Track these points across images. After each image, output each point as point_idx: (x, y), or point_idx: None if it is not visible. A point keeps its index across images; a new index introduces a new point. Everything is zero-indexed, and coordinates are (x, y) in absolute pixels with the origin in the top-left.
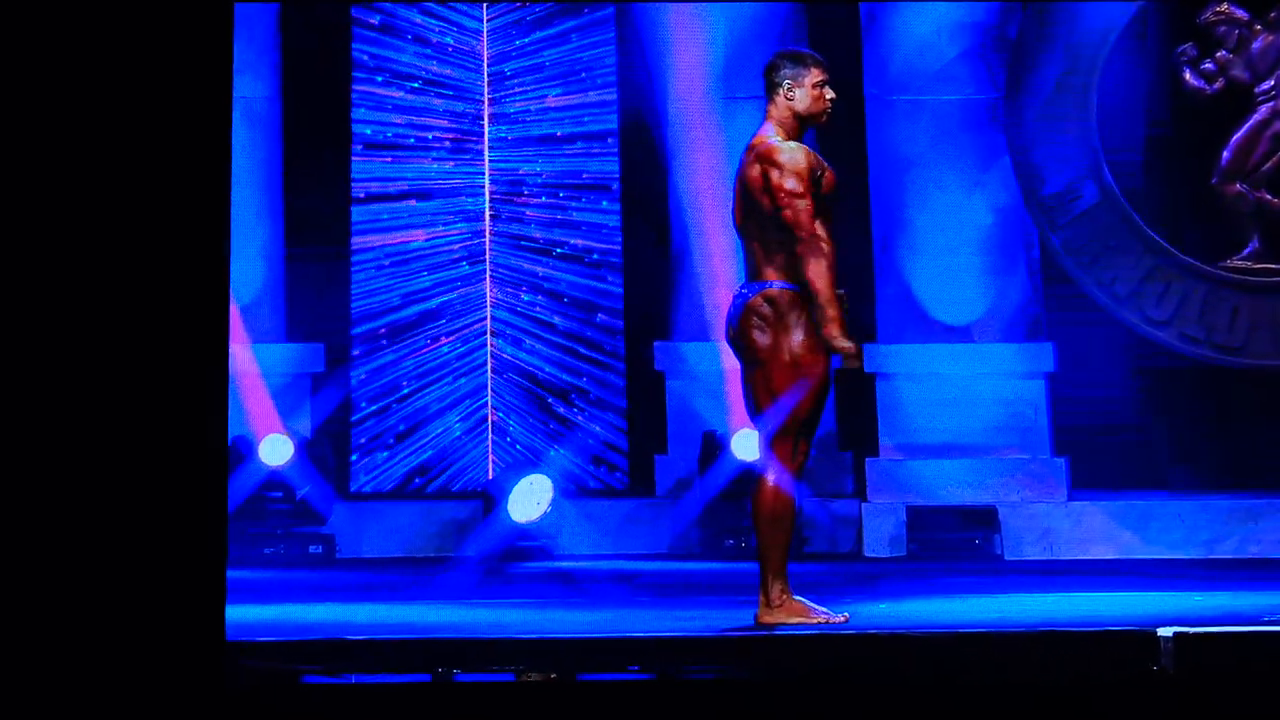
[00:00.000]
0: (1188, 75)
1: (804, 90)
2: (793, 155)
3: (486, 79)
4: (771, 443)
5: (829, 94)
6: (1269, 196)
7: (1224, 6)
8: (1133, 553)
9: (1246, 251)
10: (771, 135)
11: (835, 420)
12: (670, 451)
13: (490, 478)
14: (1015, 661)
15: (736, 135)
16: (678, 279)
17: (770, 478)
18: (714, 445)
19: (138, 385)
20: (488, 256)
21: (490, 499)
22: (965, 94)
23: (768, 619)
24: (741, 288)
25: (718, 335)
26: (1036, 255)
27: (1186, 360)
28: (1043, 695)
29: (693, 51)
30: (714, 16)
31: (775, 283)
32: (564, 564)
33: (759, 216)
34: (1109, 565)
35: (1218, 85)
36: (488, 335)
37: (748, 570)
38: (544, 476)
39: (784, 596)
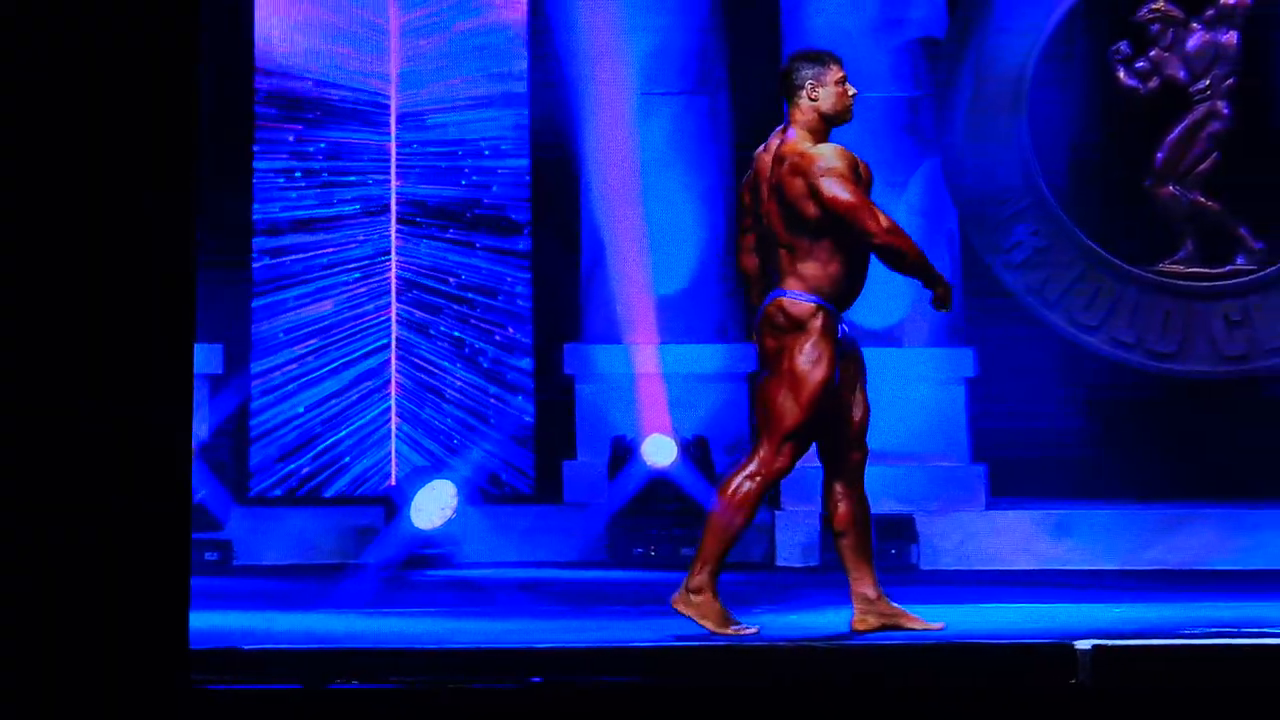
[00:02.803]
0: (1121, 74)
1: (827, 89)
2: (832, 161)
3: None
4: (758, 444)
5: (852, 90)
6: (1203, 199)
7: (1159, 4)
8: (1052, 563)
9: (1180, 255)
10: (803, 143)
11: (748, 425)
12: (579, 457)
13: (393, 483)
14: (930, 673)
15: (653, 132)
16: (589, 280)
17: (740, 476)
18: (623, 451)
19: (100, 384)
20: (393, 255)
21: (393, 505)
22: (889, 91)
23: (679, 607)
24: (769, 296)
25: (630, 337)
26: (960, 257)
27: (1116, 366)
28: (958, 708)
29: (610, 46)
30: (631, 10)
31: (793, 292)
32: (467, 572)
33: (800, 224)
34: (1027, 576)
35: (1152, 84)
36: (392, 337)
37: (657, 579)
38: (448, 482)
39: (706, 594)
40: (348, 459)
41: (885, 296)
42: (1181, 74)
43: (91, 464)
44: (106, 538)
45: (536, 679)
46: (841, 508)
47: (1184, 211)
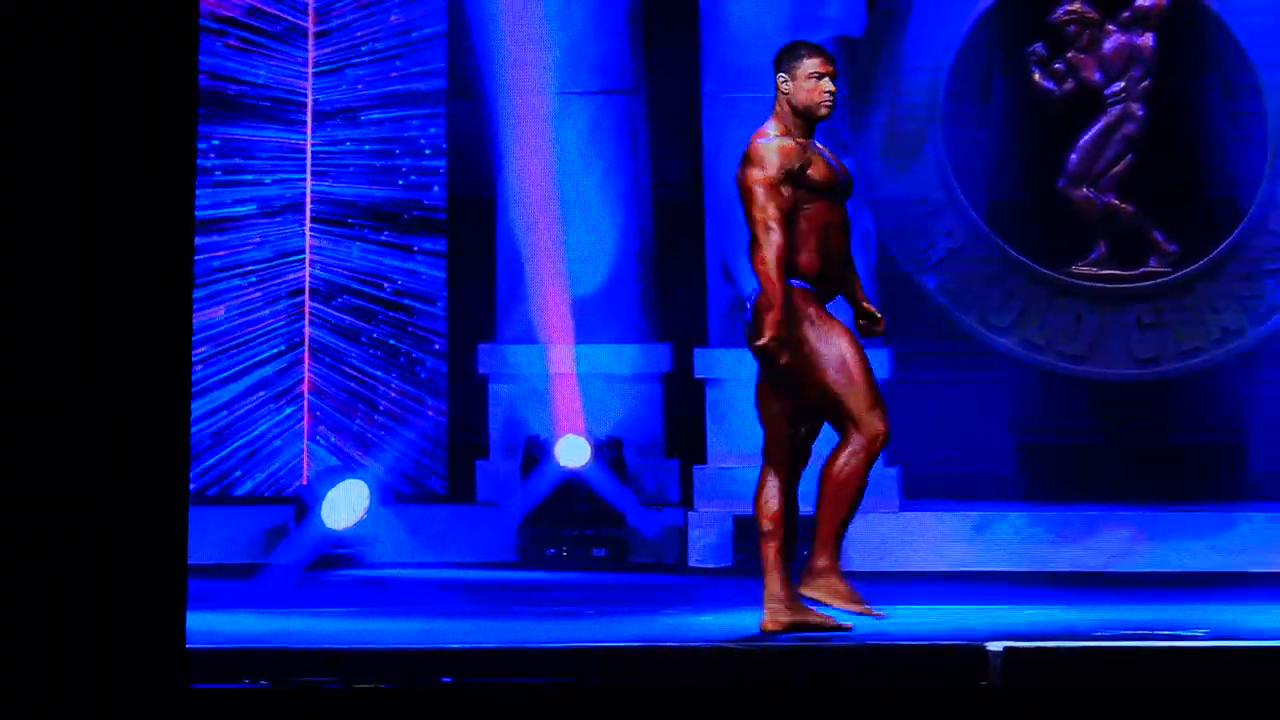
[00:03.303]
0: (1037, 76)
1: (798, 83)
2: (763, 152)
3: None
4: (849, 422)
5: (826, 86)
6: (1117, 201)
7: (1076, 5)
8: (965, 565)
9: (1092, 257)
10: (764, 133)
11: (663, 426)
12: (492, 457)
13: (304, 483)
14: (842, 675)
15: (570, 131)
16: (504, 279)
17: (843, 454)
18: (537, 451)
19: (99, 383)
20: (307, 255)
21: (304, 505)
22: None
23: (807, 591)
24: (753, 290)
25: (545, 337)
26: (875, 259)
27: (1029, 368)
28: (870, 709)
29: (527, 45)
30: (549, 9)
31: None
32: (380, 572)
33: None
34: (940, 578)
35: (1068, 86)
36: (305, 336)
37: (570, 579)
38: (360, 482)
39: (829, 574)
40: (259, 459)
41: None
42: (1097, 76)
43: (89, 463)
44: (104, 537)
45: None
46: (773, 506)
47: (1098, 213)
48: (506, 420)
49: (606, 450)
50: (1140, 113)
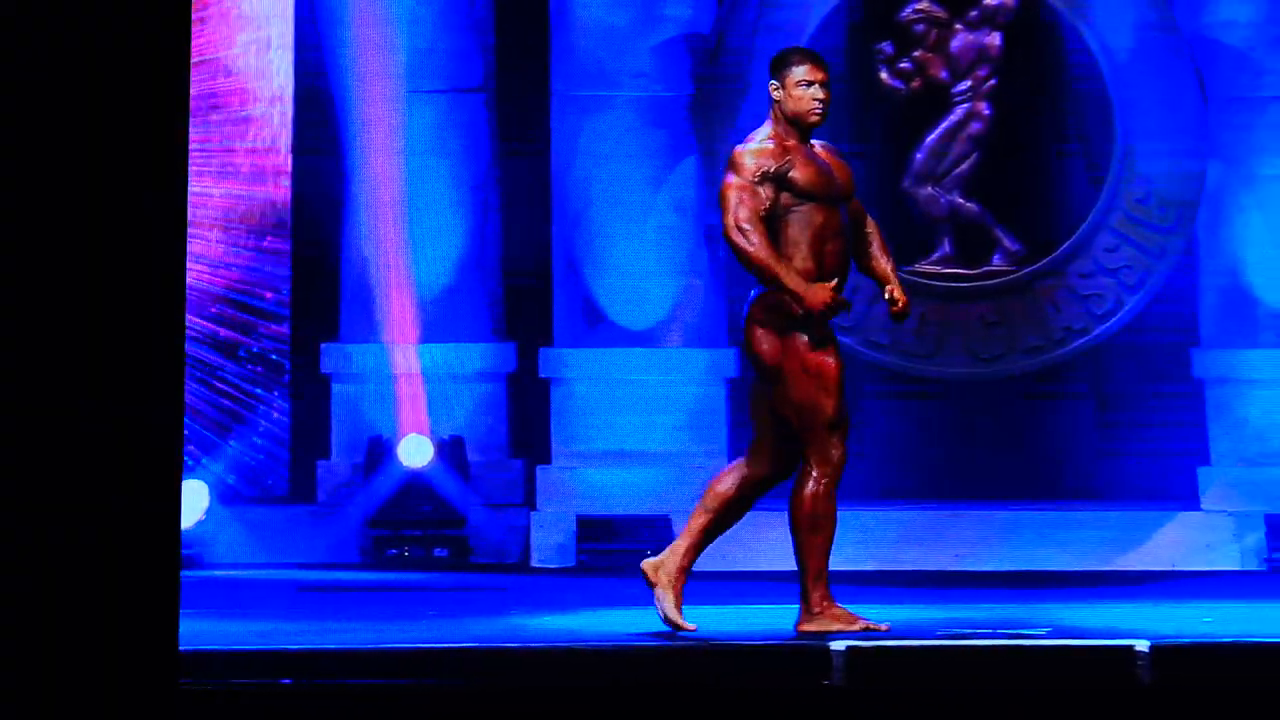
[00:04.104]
0: (884, 74)
1: (786, 91)
2: (738, 158)
3: None
4: (807, 449)
5: (816, 93)
6: (961, 200)
7: (923, 4)
8: None
9: (935, 256)
10: (750, 138)
11: (507, 426)
12: (333, 457)
13: None
14: (685, 674)
15: (418, 130)
16: (349, 278)
17: (808, 484)
18: (379, 451)
19: (92, 384)
20: None
21: None
22: (654, 90)
23: (809, 627)
24: (748, 298)
25: (389, 337)
26: (723, 257)
27: (874, 367)
28: (712, 708)
29: (376, 42)
30: (398, 7)
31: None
32: (219, 573)
33: None
34: (786, 577)
35: (914, 85)
36: None
37: (412, 580)
38: (200, 482)
39: (824, 603)
40: None
41: (646, 297)
42: (944, 75)
43: (83, 463)
44: (97, 537)
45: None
46: (728, 490)
47: (942, 212)
48: (349, 420)
49: (449, 450)
50: (986, 112)
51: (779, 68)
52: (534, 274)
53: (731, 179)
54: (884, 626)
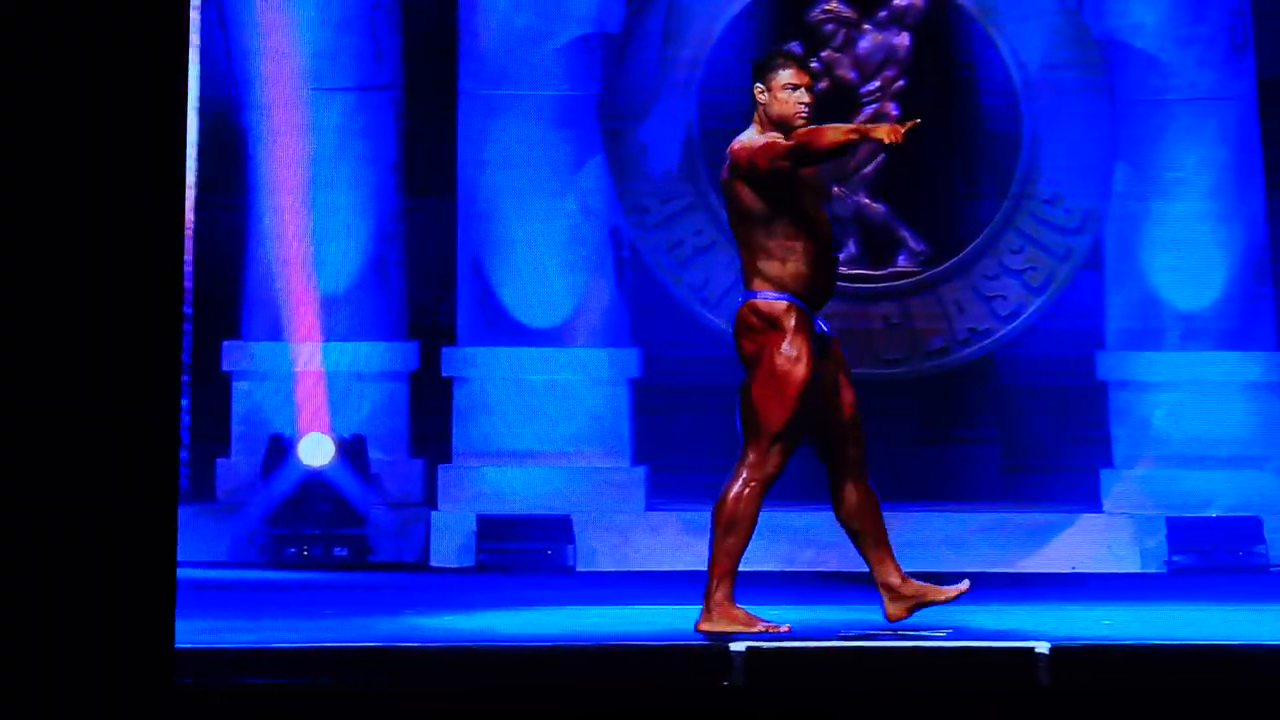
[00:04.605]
0: None
1: (772, 93)
2: (748, 141)
3: None
4: (744, 450)
5: (803, 97)
6: (867, 200)
7: (832, 4)
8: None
9: (841, 256)
10: (742, 138)
11: (409, 425)
12: (233, 455)
13: None
14: (585, 674)
15: (323, 128)
16: (251, 275)
17: (735, 484)
18: (279, 449)
19: (88, 384)
20: None
21: None
22: (563, 90)
23: (708, 626)
24: (741, 298)
25: (291, 335)
26: (628, 256)
27: None
28: (612, 708)
29: (282, 39)
30: (304, 4)
31: (762, 293)
32: None
33: (744, 221)
34: (686, 578)
35: (822, 85)
36: None
37: (311, 579)
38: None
39: (725, 605)
40: None
41: (550, 297)
42: (852, 75)
43: (79, 463)
44: (94, 536)
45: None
46: (850, 501)
47: (848, 212)
48: (249, 418)
49: (350, 449)
50: (894, 112)
51: (764, 71)
52: (438, 273)
53: (753, 141)
54: (785, 628)
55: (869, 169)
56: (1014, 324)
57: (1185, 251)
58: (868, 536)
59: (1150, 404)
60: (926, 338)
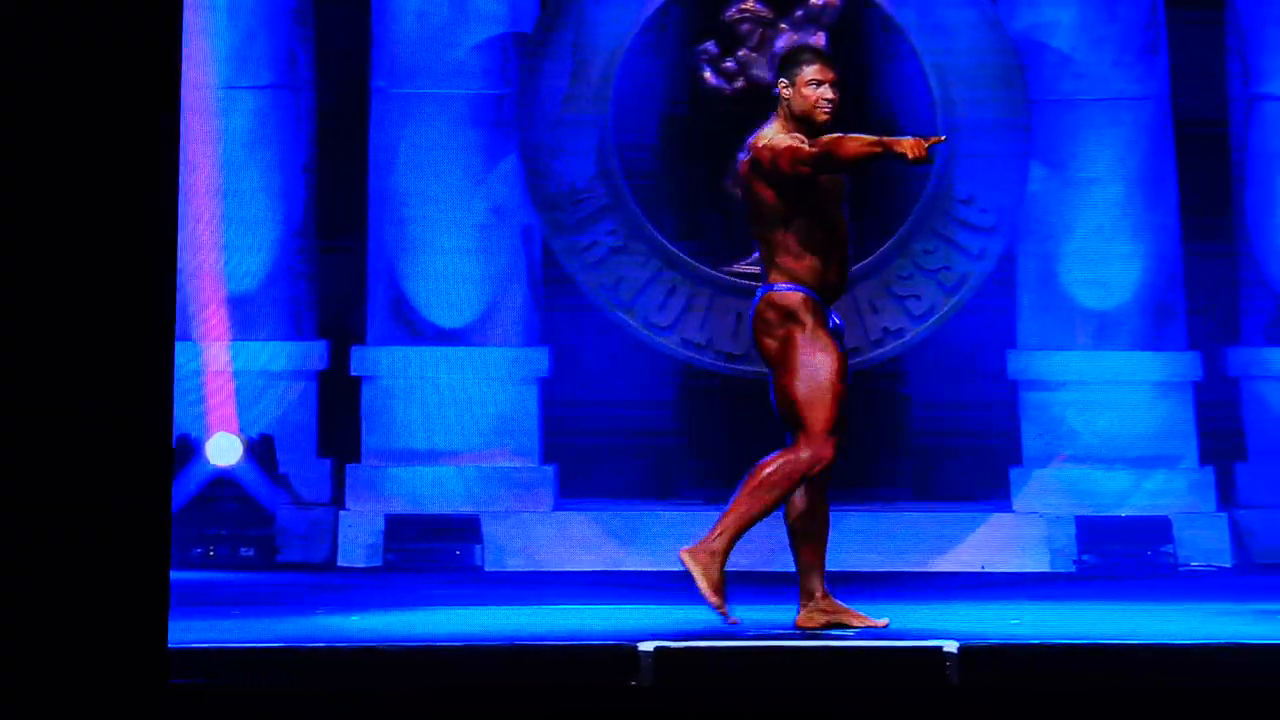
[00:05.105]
0: (708, 74)
1: (795, 89)
2: (769, 140)
3: None
4: (802, 442)
5: (826, 93)
6: None
7: (748, 4)
8: (620, 565)
9: (754, 255)
10: (763, 134)
11: (317, 424)
12: None
13: None
14: (492, 673)
15: (235, 126)
16: None
17: (790, 456)
18: (186, 449)
19: (82, 383)
20: None
21: None
22: (475, 89)
23: (686, 557)
24: (758, 290)
25: (199, 334)
26: (539, 257)
27: (689, 368)
28: (518, 708)
29: (192, 34)
30: (217, 1)
31: (780, 285)
32: None
33: (762, 216)
34: (594, 577)
35: (738, 84)
36: None
37: (217, 579)
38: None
39: (717, 557)
40: None
41: (460, 296)
42: (768, 74)
43: (73, 463)
44: (88, 536)
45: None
46: (807, 502)
47: None
48: None
49: (258, 449)
50: None
51: (789, 66)
52: (348, 272)
53: (779, 148)
54: (735, 620)
55: None
56: (927, 323)
57: (1098, 251)
58: (809, 542)
59: (1061, 403)
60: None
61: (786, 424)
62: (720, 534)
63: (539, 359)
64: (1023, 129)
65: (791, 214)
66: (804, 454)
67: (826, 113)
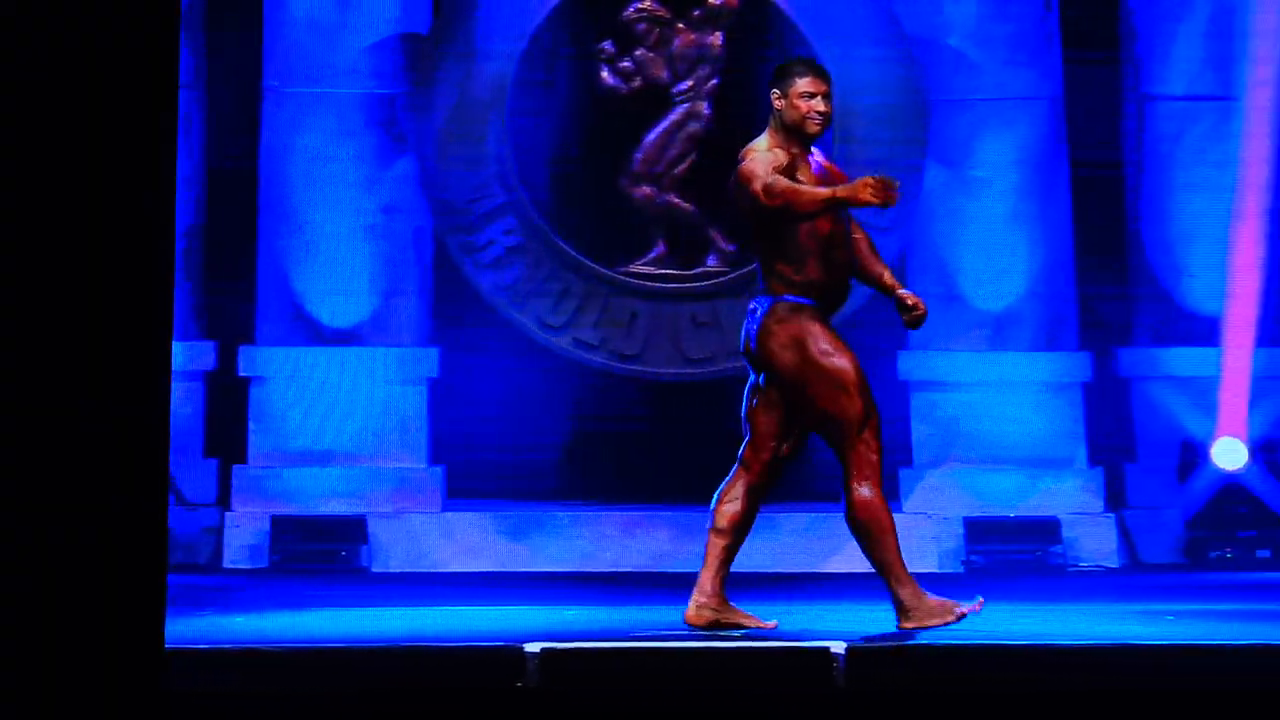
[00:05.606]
0: (605, 73)
1: (788, 100)
2: (751, 166)
3: None
4: (844, 456)
5: (818, 106)
6: (678, 200)
7: (646, 3)
8: (508, 565)
9: (651, 255)
10: (754, 148)
11: (203, 425)
12: None
13: None
14: (384, 675)
15: None
16: None
17: (860, 490)
18: None
19: (79, 384)
20: None
21: None
22: (368, 88)
23: (910, 624)
24: (754, 302)
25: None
26: (431, 258)
27: (583, 368)
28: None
29: None
30: None
31: (785, 296)
32: None
33: (760, 231)
34: (482, 578)
35: (635, 84)
36: None
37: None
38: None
39: (918, 598)
40: None
41: (350, 297)
42: (665, 74)
43: (70, 463)
44: (85, 536)
45: None
46: (743, 510)
47: (658, 212)
48: None
49: None
50: (706, 111)
51: (782, 77)
52: (238, 271)
53: (755, 185)
54: (972, 608)
55: (681, 168)
56: None
57: (990, 251)
58: (724, 541)
59: (952, 404)
60: (733, 338)
61: (828, 441)
62: (900, 588)
63: (428, 359)
64: (918, 128)
65: (786, 228)
66: (862, 469)
67: (818, 124)
